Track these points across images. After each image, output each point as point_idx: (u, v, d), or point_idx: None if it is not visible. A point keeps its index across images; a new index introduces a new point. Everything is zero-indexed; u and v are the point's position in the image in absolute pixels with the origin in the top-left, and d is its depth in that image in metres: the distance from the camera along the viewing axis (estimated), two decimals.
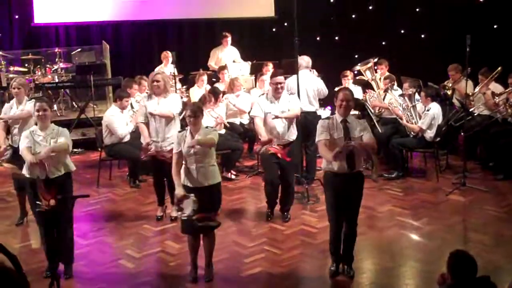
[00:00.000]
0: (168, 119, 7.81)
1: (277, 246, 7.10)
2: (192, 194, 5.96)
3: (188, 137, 6.13)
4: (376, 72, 10.77)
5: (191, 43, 15.05)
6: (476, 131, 9.71)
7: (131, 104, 9.63)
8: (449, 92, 10.35)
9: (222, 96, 10.29)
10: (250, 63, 12.68)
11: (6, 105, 8.13)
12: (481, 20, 11.96)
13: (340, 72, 10.91)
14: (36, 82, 12.40)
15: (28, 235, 7.72)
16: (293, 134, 7.88)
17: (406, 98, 9.70)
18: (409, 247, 7.12)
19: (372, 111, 10.00)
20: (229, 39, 12.90)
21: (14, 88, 7.87)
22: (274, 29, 15.21)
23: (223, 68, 11.82)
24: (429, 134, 9.33)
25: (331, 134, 6.06)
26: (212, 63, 12.83)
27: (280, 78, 7.76)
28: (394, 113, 9.79)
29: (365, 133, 6.09)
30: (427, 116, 9.29)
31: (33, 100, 7.46)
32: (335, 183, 6.12)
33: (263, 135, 7.61)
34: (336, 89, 10.45)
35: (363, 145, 6.04)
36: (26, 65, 12.93)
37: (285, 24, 14.53)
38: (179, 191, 6.07)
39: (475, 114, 9.94)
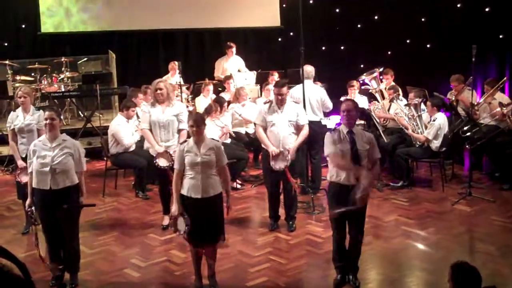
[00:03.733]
0: (173, 128, 7.88)
1: (282, 256, 7.09)
2: (186, 215, 6.03)
3: (194, 147, 6.13)
4: (381, 81, 10.78)
5: (197, 52, 15.10)
6: (481, 141, 9.69)
7: (136, 113, 9.65)
8: (454, 102, 10.35)
9: (228, 106, 10.30)
10: (255, 72, 12.70)
11: (12, 114, 8.14)
12: (487, 30, 11.95)
13: (345, 82, 10.93)
14: (42, 91, 12.45)
15: (33, 244, 7.71)
16: (291, 143, 7.84)
17: (411, 108, 9.69)
18: (415, 257, 7.10)
19: (378, 121, 10.00)
20: (234, 49, 12.92)
21: (20, 97, 7.83)
22: (279, 39, 15.25)
23: (228, 77, 11.85)
24: (435, 144, 9.31)
25: (337, 147, 6.09)
26: (219, 74, 12.86)
27: (282, 90, 7.76)
28: (400, 123, 9.79)
29: (372, 147, 6.12)
30: (433, 126, 9.28)
31: (41, 110, 7.53)
32: (340, 195, 6.12)
33: (271, 148, 7.63)
34: (342, 98, 10.58)
35: (367, 187, 6.01)
36: (33, 74, 12.97)
37: (291, 33, 14.58)
38: (175, 209, 6.11)
39: (481, 124, 9.93)
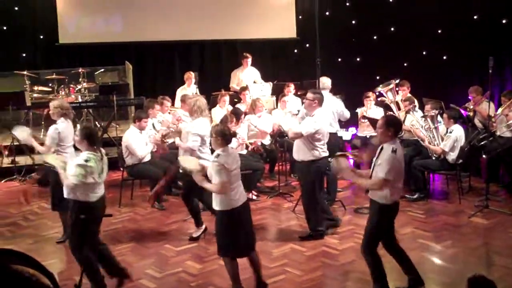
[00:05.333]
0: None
1: (298, 268, 7.07)
2: None
3: None
4: (397, 93, 10.76)
5: (213, 63, 15.17)
6: (498, 153, 9.64)
7: (153, 124, 9.69)
8: (470, 114, 10.31)
9: (244, 117, 10.32)
10: (271, 84, 12.71)
11: None
12: (504, 41, 11.92)
13: (361, 94, 10.93)
14: None
15: (50, 254, 7.75)
16: (300, 155, 7.86)
17: (428, 119, 9.66)
18: (431, 270, 7.05)
19: None
20: (249, 60, 12.94)
21: (50, 110, 8.05)
22: (295, 50, 15.28)
23: (244, 88, 11.85)
24: (452, 156, 9.27)
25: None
26: (234, 85, 12.89)
27: (308, 94, 7.86)
28: (416, 135, 9.75)
29: (379, 168, 6.07)
30: (449, 138, 9.24)
31: (61, 123, 7.69)
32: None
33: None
34: (358, 110, 10.59)
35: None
36: (50, 84, 13.08)
37: (307, 45, 14.61)
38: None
39: (498, 136, 9.88)
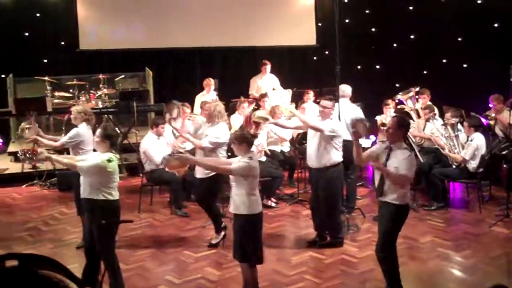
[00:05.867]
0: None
1: (317, 275, 7.05)
2: None
3: None
4: (417, 101, 10.72)
5: (232, 70, 15.22)
6: None
7: (172, 131, 9.70)
8: (491, 122, 10.24)
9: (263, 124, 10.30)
10: (291, 91, 12.72)
11: None
12: None
13: (380, 101, 10.90)
14: None
15: (70, 259, 7.78)
16: (317, 161, 7.81)
17: (448, 127, 9.61)
18: (450, 280, 7.01)
19: (414, 140, 9.92)
20: (268, 67, 12.96)
21: (72, 114, 8.06)
22: (315, 58, 15.28)
23: (263, 95, 11.86)
24: (472, 164, 9.20)
25: (379, 157, 6.16)
26: (254, 92, 12.91)
27: (325, 102, 7.83)
28: (436, 143, 9.70)
29: (400, 167, 6.00)
30: (470, 147, 9.18)
31: (82, 127, 7.70)
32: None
33: None
34: (377, 117, 10.55)
35: (386, 171, 6.06)
36: (71, 90, 13.17)
37: (326, 52, 14.61)
38: None
39: None
